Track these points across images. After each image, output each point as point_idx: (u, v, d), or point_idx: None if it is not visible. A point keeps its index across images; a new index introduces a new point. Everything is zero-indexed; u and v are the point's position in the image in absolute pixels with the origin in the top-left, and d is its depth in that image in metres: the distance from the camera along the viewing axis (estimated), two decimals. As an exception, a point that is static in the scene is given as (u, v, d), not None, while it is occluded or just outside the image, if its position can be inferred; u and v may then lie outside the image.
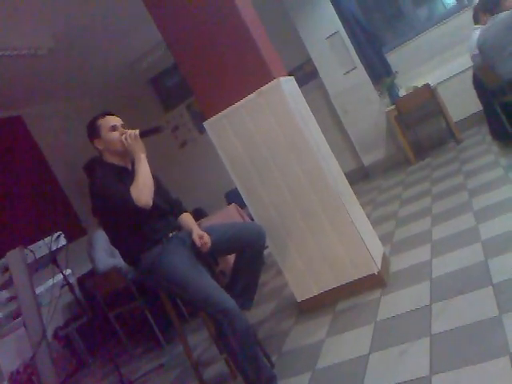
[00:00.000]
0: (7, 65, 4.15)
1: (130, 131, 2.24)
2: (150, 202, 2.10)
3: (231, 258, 2.63)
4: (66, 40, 4.28)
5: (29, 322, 2.70)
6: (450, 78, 5.52)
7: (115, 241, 2.31)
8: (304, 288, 2.91)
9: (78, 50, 4.65)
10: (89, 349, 4.44)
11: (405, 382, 1.81)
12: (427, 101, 5.35)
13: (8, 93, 4.75)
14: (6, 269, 2.75)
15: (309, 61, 6.12)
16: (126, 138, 2.21)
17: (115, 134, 2.25)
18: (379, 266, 2.77)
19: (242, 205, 4.39)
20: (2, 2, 3.29)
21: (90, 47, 4.76)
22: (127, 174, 2.25)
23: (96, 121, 2.29)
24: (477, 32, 3.88)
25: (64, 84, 5.36)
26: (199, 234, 2.28)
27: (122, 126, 2.30)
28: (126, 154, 2.27)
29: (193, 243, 2.27)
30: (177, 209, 2.47)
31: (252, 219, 3.12)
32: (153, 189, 2.15)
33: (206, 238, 2.26)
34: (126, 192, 2.08)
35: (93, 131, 2.28)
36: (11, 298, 3.42)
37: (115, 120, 2.30)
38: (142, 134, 2.24)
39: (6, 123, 5.19)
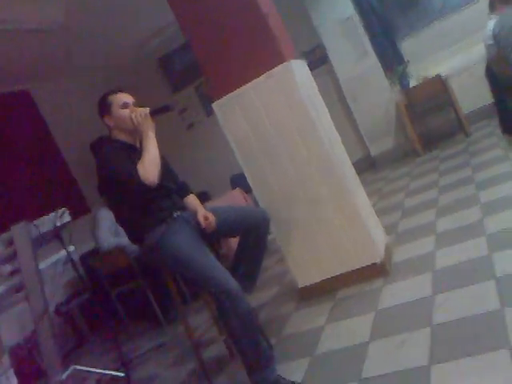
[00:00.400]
0: (18, 38, 4.12)
1: (140, 109, 2.23)
2: (156, 180, 2.10)
3: (234, 243, 2.62)
4: (78, 17, 4.23)
5: (32, 297, 2.72)
6: (463, 69, 5.43)
7: (120, 218, 2.31)
8: (306, 274, 2.91)
9: (89, 27, 4.61)
10: (89, 326, 4.49)
11: (404, 370, 1.82)
12: (438, 92, 5.29)
13: (17, 67, 4.73)
14: (11, 242, 2.76)
15: (320, 45, 6.05)
16: (135, 116, 2.20)
17: (126, 112, 2.24)
18: (382, 255, 2.76)
19: (247, 190, 4.40)
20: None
21: (101, 25, 4.71)
22: (135, 152, 2.24)
23: (107, 97, 2.27)
24: (492, 21, 3.81)
25: (73, 61, 5.32)
26: (204, 214, 2.28)
27: (133, 103, 2.29)
28: (136, 131, 2.26)
29: (197, 224, 2.27)
30: (183, 190, 2.46)
31: (257, 205, 3.12)
32: (159, 167, 2.15)
33: (211, 218, 2.27)
34: (133, 168, 2.08)
35: (104, 107, 2.27)
36: (13, 272, 3.43)
37: (127, 97, 2.29)
38: (152, 113, 2.23)
39: (14, 97, 5.17)
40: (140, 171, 2.06)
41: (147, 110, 2.22)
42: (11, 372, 2.96)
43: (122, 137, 2.29)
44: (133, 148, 2.29)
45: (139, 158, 2.14)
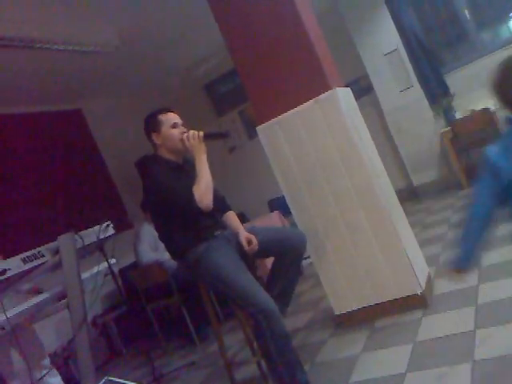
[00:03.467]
0: (73, 59, 4.34)
1: (193, 131, 2.26)
2: (211, 205, 2.15)
3: (270, 264, 2.63)
4: (130, 40, 4.44)
5: (72, 306, 2.79)
6: (511, 103, 5.33)
7: (163, 235, 2.36)
8: (343, 301, 2.88)
9: (141, 50, 4.82)
10: (124, 339, 4.55)
11: (442, 405, 1.76)
12: (485, 125, 5.19)
13: (71, 86, 4.98)
14: (57, 252, 2.86)
15: (365, 75, 6.09)
16: (188, 138, 2.24)
17: (176, 131, 2.30)
18: (423, 286, 2.70)
19: (285, 213, 4.42)
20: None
21: (152, 48, 4.92)
22: (181, 170, 2.31)
23: (157, 115, 2.33)
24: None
25: (123, 82, 5.56)
26: (247, 236, 2.30)
27: (182, 124, 2.35)
28: (183, 152, 2.31)
29: (238, 243, 2.30)
30: (222, 205, 2.49)
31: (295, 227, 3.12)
32: (212, 191, 2.19)
33: (254, 242, 2.29)
34: (189, 193, 2.12)
35: (153, 125, 2.32)
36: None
37: (176, 118, 2.35)
38: (207, 136, 2.27)
39: (67, 115, 5.43)
40: (196, 196, 2.11)
41: (201, 133, 2.25)
42: (54, 371, 3.04)
43: (168, 155, 2.33)
44: (178, 167, 2.34)
45: (184, 177, 2.19)
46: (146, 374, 3.45)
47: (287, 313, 2.51)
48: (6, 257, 2.82)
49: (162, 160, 2.34)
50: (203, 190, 2.14)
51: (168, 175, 2.24)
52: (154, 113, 2.36)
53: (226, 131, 2.46)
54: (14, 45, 3.57)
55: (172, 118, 2.34)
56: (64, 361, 3.95)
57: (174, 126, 2.32)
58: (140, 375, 3.62)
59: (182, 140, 2.27)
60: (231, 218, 2.49)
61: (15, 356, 2.88)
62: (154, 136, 2.33)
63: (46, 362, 3.07)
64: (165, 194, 2.18)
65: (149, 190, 2.28)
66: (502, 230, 3.42)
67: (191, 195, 2.11)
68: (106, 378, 3.09)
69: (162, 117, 2.33)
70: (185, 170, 2.34)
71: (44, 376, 2.92)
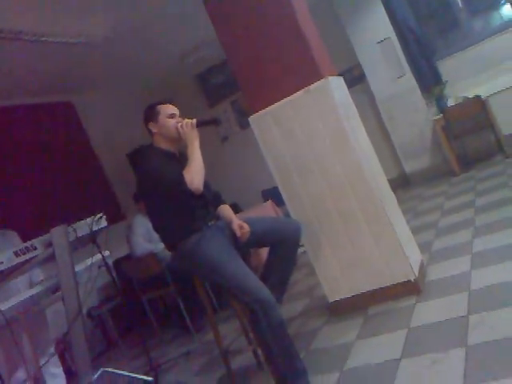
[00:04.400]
0: (63, 51, 4.30)
1: (186, 120, 2.33)
2: (201, 187, 2.18)
3: (264, 254, 2.64)
4: (121, 31, 4.39)
5: (67, 298, 2.79)
6: (503, 90, 5.35)
7: (157, 225, 2.37)
8: (336, 289, 2.90)
9: (131, 41, 4.78)
10: (119, 330, 4.56)
11: (436, 389, 1.78)
12: (477, 112, 5.21)
13: (61, 78, 4.92)
14: (49, 244, 2.85)
15: (357, 64, 6.08)
16: (182, 126, 2.30)
17: (172, 121, 2.36)
18: (416, 272, 2.72)
19: (278, 203, 4.42)
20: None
21: (143, 39, 4.87)
22: (175, 160, 2.34)
23: (156, 105, 2.40)
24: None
25: (115, 73, 5.51)
26: (239, 223, 2.32)
27: (179, 115, 2.40)
28: (177, 140, 2.36)
29: (231, 233, 2.31)
30: (217, 200, 2.52)
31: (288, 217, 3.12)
32: (204, 175, 2.22)
33: (246, 228, 2.31)
34: (180, 174, 2.16)
35: (151, 114, 2.39)
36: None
37: (174, 109, 2.42)
38: (199, 124, 2.33)
39: (57, 107, 5.39)
40: (187, 178, 2.14)
41: (194, 120, 2.32)
42: (57, 361, 3.06)
43: (164, 145, 2.38)
44: (173, 156, 2.38)
45: (179, 166, 2.21)
46: (143, 365, 3.46)
47: (283, 302, 2.52)
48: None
49: (157, 149, 2.39)
50: (194, 172, 2.18)
51: (161, 161, 2.29)
52: (153, 103, 2.43)
53: (216, 118, 2.52)
54: (3, 36, 3.52)
55: (169, 108, 2.41)
56: (60, 353, 3.94)
57: (171, 116, 2.38)
58: (136, 366, 3.64)
59: (176, 129, 2.32)
60: (225, 209, 2.51)
61: (26, 342, 2.91)
62: (151, 125, 2.39)
63: (52, 350, 3.10)
64: (156, 177, 2.22)
65: (142, 177, 2.33)
66: (494, 216, 3.47)
67: (181, 177, 2.15)
68: (102, 369, 3.10)
69: (161, 107, 2.40)
70: (179, 160, 2.36)
71: (45, 364, 2.93)
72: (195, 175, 2.17)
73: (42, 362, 2.96)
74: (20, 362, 2.89)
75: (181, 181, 2.14)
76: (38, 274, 3.20)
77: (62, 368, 3.18)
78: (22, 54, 4.06)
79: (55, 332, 4.03)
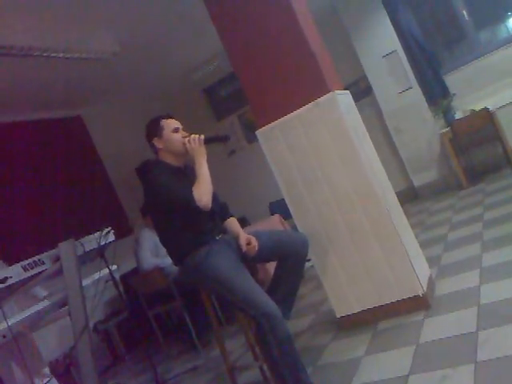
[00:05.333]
0: (72, 67, 4.35)
1: (194, 135, 2.32)
2: (210, 205, 2.18)
3: (271, 268, 2.63)
4: (130, 46, 4.45)
5: (74, 313, 2.79)
6: (511, 103, 5.33)
7: (164, 239, 2.37)
8: (344, 304, 2.87)
9: (140, 56, 4.83)
10: (126, 345, 4.54)
11: (446, 407, 1.75)
12: (484, 125, 5.19)
13: (70, 93, 4.98)
14: (57, 259, 2.86)
15: (363, 77, 6.10)
16: (189, 141, 2.29)
17: (177, 136, 2.35)
18: (425, 287, 2.69)
19: (286, 217, 4.41)
20: (74, 6, 3.47)
21: (151, 54, 4.93)
22: (182, 174, 2.34)
23: (160, 121, 2.39)
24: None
25: (123, 88, 5.57)
26: (247, 238, 2.32)
27: (182, 129, 2.40)
28: (183, 155, 2.35)
29: (238, 247, 2.30)
30: (224, 212, 2.52)
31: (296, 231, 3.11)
32: (212, 192, 2.22)
33: (254, 243, 2.30)
34: (188, 191, 2.16)
35: (155, 130, 2.37)
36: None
37: (177, 123, 2.41)
38: (207, 141, 2.32)
39: (67, 122, 5.44)
40: (195, 195, 2.14)
41: (202, 136, 2.30)
42: (54, 381, 3.04)
43: (169, 159, 2.37)
44: (179, 170, 2.38)
45: (185, 180, 2.21)
46: (149, 380, 3.44)
47: (291, 316, 2.50)
48: (8, 264, 2.83)
49: (163, 164, 2.38)
50: (202, 190, 2.18)
51: (169, 177, 2.28)
52: (155, 118, 2.42)
53: (225, 135, 2.50)
54: (13, 53, 3.58)
55: (173, 123, 2.40)
56: (66, 368, 3.93)
57: (176, 130, 2.38)
58: (142, 381, 3.61)
59: (183, 143, 2.31)
60: (232, 222, 2.51)
61: (16, 365, 2.87)
62: (156, 141, 2.37)
63: (46, 370, 3.07)
64: (165, 194, 2.22)
65: (149, 193, 2.31)
66: (503, 230, 3.43)
67: (190, 194, 2.15)
68: (108, 384, 3.09)
69: (164, 122, 2.39)
70: (186, 174, 2.37)
71: (45, 384, 2.91)
72: (203, 193, 2.17)
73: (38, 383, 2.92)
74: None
75: (190, 199, 2.14)
76: (40, 289, 3.18)
77: None
78: (32, 70, 4.12)
79: (61, 347, 4.03)
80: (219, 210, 2.46)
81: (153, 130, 2.38)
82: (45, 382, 2.89)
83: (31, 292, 3.10)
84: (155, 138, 2.37)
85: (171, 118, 2.43)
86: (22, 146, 4.81)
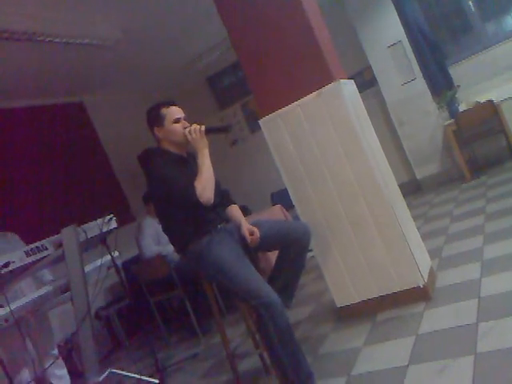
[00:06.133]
0: (75, 53, 4.34)
1: (195, 126, 2.25)
2: (212, 199, 2.15)
3: (273, 257, 2.63)
4: (132, 33, 4.43)
5: (76, 298, 2.81)
6: (516, 95, 5.30)
7: (167, 228, 2.36)
8: (345, 294, 2.88)
9: (143, 43, 4.81)
10: (127, 331, 4.57)
11: (444, 397, 1.76)
12: (489, 117, 5.16)
13: (73, 79, 4.97)
14: (60, 245, 2.88)
15: (368, 68, 6.07)
16: (190, 132, 2.23)
17: (179, 126, 2.29)
18: (425, 279, 2.70)
19: (287, 207, 4.41)
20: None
21: (154, 42, 4.91)
22: (184, 163, 2.32)
23: (160, 109, 2.32)
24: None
25: (126, 75, 5.55)
26: (249, 228, 2.31)
27: (184, 118, 2.34)
28: (185, 145, 2.31)
29: (240, 236, 2.30)
30: (226, 199, 2.50)
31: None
32: (214, 185, 2.18)
33: (256, 233, 2.29)
34: (190, 185, 2.12)
35: (156, 119, 2.32)
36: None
37: (179, 112, 2.34)
38: (208, 131, 2.25)
39: (69, 108, 5.43)
40: (198, 189, 2.11)
41: (203, 127, 2.24)
42: (61, 362, 3.07)
43: (171, 148, 2.34)
44: (181, 159, 2.35)
45: (188, 169, 2.20)
46: (149, 366, 3.47)
47: (292, 305, 2.51)
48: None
49: (165, 152, 2.34)
50: (204, 185, 2.14)
51: (171, 167, 2.25)
52: (156, 106, 2.35)
53: (227, 125, 2.45)
54: (15, 38, 3.56)
55: (174, 112, 2.33)
56: (67, 353, 3.97)
57: (177, 120, 2.31)
58: (143, 367, 3.64)
59: (184, 134, 2.26)
60: (234, 211, 2.49)
61: (29, 344, 2.92)
62: (156, 130, 2.33)
63: (55, 352, 3.11)
64: (167, 185, 2.19)
65: (152, 182, 2.29)
66: (505, 222, 3.43)
67: (193, 188, 2.11)
68: (109, 370, 3.12)
69: (165, 111, 2.32)
70: (188, 162, 2.35)
71: (50, 366, 2.95)
72: (205, 188, 2.13)
73: (46, 363, 2.97)
74: (24, 363, 2.90)
75: (191, 193, 2.10)
76: (47, 274, 3.22)
77: (66, 369, 3.19)
78: (35, 56, 4.10)
79: (63, 332, 4.06)
80: (221, 198, 2.44)
81: (153, 118, 2.32)
82: (51, 362, 2.93)
83: (37, 276, 3.13)
84: (156, 128, 2.32)
85: (174, 104, 2.36)
86: (24, 132, 4.81)
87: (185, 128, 2.28)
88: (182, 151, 2.38)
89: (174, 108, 2.35)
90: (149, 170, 2.31)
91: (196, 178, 2.16)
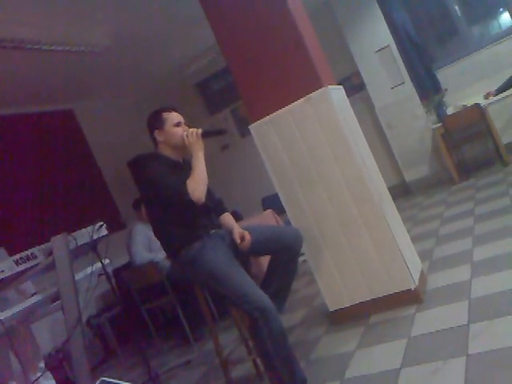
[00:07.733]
0: (64, 60, 4.32)
1: (192, 129, 2.31)
2: (203, 198, 2.17)
3: (264, 262, 2.63)
4: (122, 40, 4.42)
5: (66, 307, 2.78)
6: (502, 99, 5.37)
7: (159, 233, 2.36)
8: (337, 298, 2.89)
9: (132, 50, 4.81)
10: (118, 339, 4.53)
11: (437, 399, 1.77)
12: (476, 121, 5.22)
13: (62, 86, 4.95)
14: (50, 253, 2.85)
15: (356, 73, 6.11)
16: (187, 135, 2.28)
17: (179, 130, 2.34)
18: (416, 281, 2.72)
19: (279, 211, 4.42)
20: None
21: (143, 48, 4.91)
22: (179, 168, 2.33)
23: (162, 113, 2.38)
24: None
25: (115, 81, 5.54)
26: (241, 233, 2.32)
27: (184, 123, 2.40)
28: (182, 149, 2.34)
29: (232, 242, 2.31)
30: (219, 208, 2.52)
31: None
32: (206, 186, 2.21)
33: (248, 238, 2.31)
34: (182, 184, 2.15)
35: (157, 122, 2.36)
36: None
37: (179, 117, 2.40)
38: (204, 134, 2.32)
39: (58, 116, 5.41)
40: (189, 188, 2.13)
41: (200, 130, 2.30)
42: (48, 374, 3.03)
43: (167, 152, 2.37)
44: (177, 164, 2.37)
45: (183, 174, 2.21)
46: (142, 374, 3.44)
47: (284, 310, 2.51)
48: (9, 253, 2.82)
49: (161, 157, 2.37)
50: (196, 183, 2.16)
51: (165, 170, 2.27)
52: (158, 110, 2.41)
53: (223, 128, 2.52)
54: (4, 45, 3.54)
55: (175, 116, 2.39)
56: (59, 362, 3.93)
57: (177, 124, 2.36)
58: (135, 375, 3.62)
59: (182, 138, 2.31)
60: (227, 218, 2.51)
61: (14, 358, 2.87)
62: (157, 133, 2.37)
63: (42, 364, 3.06)
64: (158, 185, 2.21)
65: (143, 183, 2.31)
66: (494, 224, 3.46)
67: (184, 187, 2.14)
68: (101, 378, 3.08)
69: (166, 115, 2.37)
70: (183, 168, 2.36)
71: (38, 378, 2.90)
72: (197, 186, 2.16)
73: (32, 377, 2.92)
74: (10, 376, 2.85)
75: (183, 191, 2.13)
76: (31, 287, 3.17)
77: (54, 381, 3.15)
78: (24, 63, 4.08)
79: (54, 341, 4.02)
80: (214, 207, 2.46)
81: (155, 122, 2.37)
82: (38, 375, 2.89)
83: (20, 288, 3.08)
84: (156, 131, 2.36)
85: (174, 110, 2.42)
86: (13, 140, 4.78)
87: (184, 132, 2.33)
88: (178, 157, 2.41)
89: (174, 113, 2.41)
90: (140, 173, 2.33)
91: (189, 178, 2.19)
